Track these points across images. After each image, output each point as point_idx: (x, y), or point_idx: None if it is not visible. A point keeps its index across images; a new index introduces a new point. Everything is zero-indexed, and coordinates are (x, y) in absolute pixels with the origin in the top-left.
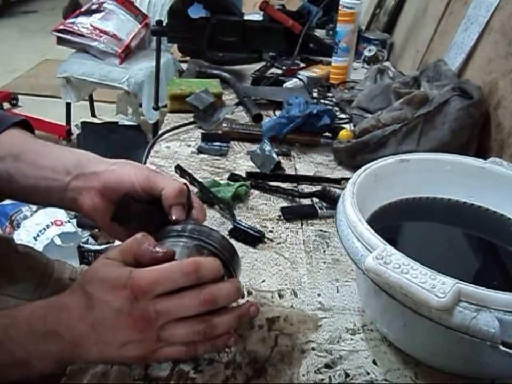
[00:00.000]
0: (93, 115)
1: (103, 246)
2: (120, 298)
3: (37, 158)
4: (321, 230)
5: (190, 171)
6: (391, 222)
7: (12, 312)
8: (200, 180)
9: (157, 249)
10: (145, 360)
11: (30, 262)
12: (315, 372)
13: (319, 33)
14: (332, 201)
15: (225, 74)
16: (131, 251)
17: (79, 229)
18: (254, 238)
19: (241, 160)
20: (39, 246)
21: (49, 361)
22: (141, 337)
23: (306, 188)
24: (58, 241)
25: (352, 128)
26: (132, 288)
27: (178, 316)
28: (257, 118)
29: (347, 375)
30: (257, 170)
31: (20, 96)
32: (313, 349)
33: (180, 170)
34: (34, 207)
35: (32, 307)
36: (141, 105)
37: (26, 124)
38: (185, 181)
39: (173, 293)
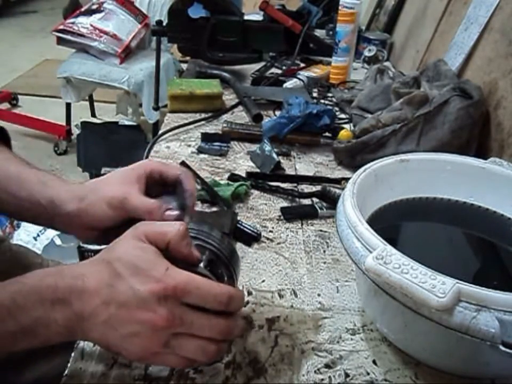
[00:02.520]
0: (93, 115)
1: (103, 246)
2: (149, 290)
3: (14, 187)
4: (321, 230)
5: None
6: (391, 222)
7: (20, 278)
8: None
9: (195, 252)
10: (143, 359)
11: (24, 262)
12: (315, 372)
13: (319, 33)
14: (331, 201)
15: (225, 74)
16: (166, 237)
17: None
18: (249, 237)
19: (241, 160)
20: (39, 246)
21: (54, 330)
22: (151, 335)
23: (306, 188)
24: (58, 241)
25: (352, 128)
26: (165, 286)
27: (196, 332)
28: (257, 118)
29: (347, 375)
30: (257, 170)
31: (20, 96)
32: (313, 349)
33: (185, 166)
34: None
35: (42, 273)
36: (141, 105)
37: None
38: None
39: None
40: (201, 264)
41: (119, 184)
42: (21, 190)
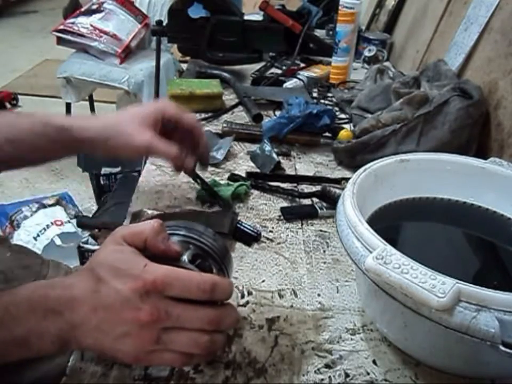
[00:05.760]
0: None
1: None
2: (130, 289)
3: (42, 124)
4: (321, 230)
5: None
6: (391, 222)
7: (13, 290)
8: None
9: (172, 246)
10: (138, 360)
11: (24, 262)
12: (315, 372)
13: (319, 33)
14: (332, 201)
15: (225, 74)
16: (142, 236)
17: (79, 229)
18: (249, 237)
19: (241, 160)
20: (39, 246)
21: (47, 341)
22: (140, 333)
23: (306, 188)
24: (58, 241)
25: (352, 128)
26: (144, 281)
27: (185, 325)
28: (257, 118)
29: (347, 375)
30: (257, 170)
31: (20, 96)
32: (313, 349)
33: None
34: (34, 207)
35: (34, 285)
36: None
37: None
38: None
39: (184, 301)
40: (185, 258)
41: (139, 125)
42: (48, 125)
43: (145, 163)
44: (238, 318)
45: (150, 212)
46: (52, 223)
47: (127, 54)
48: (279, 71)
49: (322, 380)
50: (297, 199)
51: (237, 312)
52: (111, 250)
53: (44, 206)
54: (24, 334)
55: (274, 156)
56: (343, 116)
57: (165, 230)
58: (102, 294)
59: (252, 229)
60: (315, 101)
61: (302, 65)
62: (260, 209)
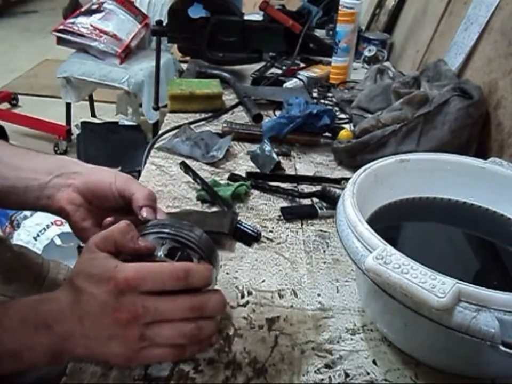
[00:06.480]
0: (93, 115)
1: None
2: (105, 291)
3: (19, 160)
4: (321, 230)
5: None
6: (391, 222)
7: (5, 303)
8: None
9: (140, 242)
10: (130, 361)
11: (25, 262)
12: (315, 372)
13: (319, 33)
14: (332, 201)
15: (225, 74)
16: (111, 238)
17: None
18: (249, 237)
19: (241, 160)
20: (39, 246)
21: (39, 353)
22: (124, 333)
23: (306, 188)
24: (58, 241)
25: (352, 128)
26: (115, 281)
27: (166, 316)
28: (257, 118)
29: (347, 375)
30: (257, 170)
31: (20, 96)
32: (313, 349)
33: (185, 167)
34: None
35: (25, 299)
36: (141, 105)
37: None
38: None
39: (163, 294)
40: (160, 253)
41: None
42: (26, 161)
43: (145, 163)
44: (224, 301)
45: None
46: (52, 223)
47: (127, 54)
48: (279, 71)
49: (322, 380)
50: (297, 199)
51: (223, 296)
52: (85, 259)
53: None
54: (16, 347)
55: (274, 156)
56: (343, 116)
57: (133, 229)
58: (83, 303)
59: (251, 229)
60: (315, 101)
61: (302, 65)
62: (260, 209)
